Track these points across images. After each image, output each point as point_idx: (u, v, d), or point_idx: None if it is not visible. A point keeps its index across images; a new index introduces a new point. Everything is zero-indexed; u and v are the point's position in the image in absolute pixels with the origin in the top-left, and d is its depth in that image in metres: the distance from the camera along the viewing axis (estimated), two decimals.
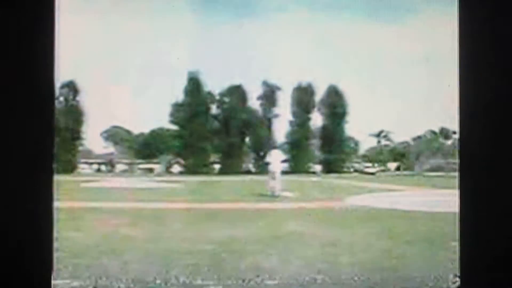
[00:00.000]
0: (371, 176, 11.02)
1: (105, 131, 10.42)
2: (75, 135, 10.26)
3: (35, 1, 2.17)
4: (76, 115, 10.24)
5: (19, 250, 2.10)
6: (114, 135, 10.42)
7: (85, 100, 10.17)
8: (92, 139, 10.34)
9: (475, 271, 2.26)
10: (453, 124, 2.38)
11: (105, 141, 10.41)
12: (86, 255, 6.19)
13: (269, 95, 10.66)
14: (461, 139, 2.30)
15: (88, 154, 10.40)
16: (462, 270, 2.30)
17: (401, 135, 11.44)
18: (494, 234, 2.25)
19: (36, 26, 2.17)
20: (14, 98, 2.10)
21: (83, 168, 10.53)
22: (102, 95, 9.40)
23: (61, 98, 10.26)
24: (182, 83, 10.33)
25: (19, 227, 2.08)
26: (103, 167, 10.57)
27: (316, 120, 11.13)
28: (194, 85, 10.38)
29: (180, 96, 10.37)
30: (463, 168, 2.31)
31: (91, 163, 10.52)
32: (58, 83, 10.19)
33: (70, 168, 10.36)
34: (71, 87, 10.24)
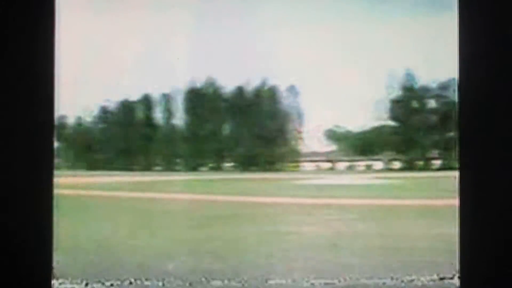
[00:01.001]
0: None
1: (327, 130, 10.33)
2: (298, 135, 10.38)
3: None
4: (297, 116, 10.36)
5: (19, 250, 2.05)
6: (335, 133, 10.27)
7: (306, 101, 10.23)
8: (314, 138, 10.33)
9: (475, 271, 2.17)
10: None
11: (326, 139, 10.32)
12: (321, 250, 6.25)
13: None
14: (461, 139, 2.23)
15: (310, 153, 10.42)
16: (462, 270, 2.22)
17: None
18: (495, 234, 2.17)
19: (36, 24, 2.09)
20: (14, 97, 2.06)
21: (305, 166, 10.61)
22: (320, 95, 9.36)
23: (285, 101, 10.50)
24: (398, 80, 9.85)
25: (18, 227, 2.04)
26: (324, 165, 10.51)
27: None
28: (410, 80, 9.80)
29: (397, 92, 9.87)
30: (463, 167, 2.24)
31: (313, 161, 10.53)
32: (282, 87, 10.50)
33: (293, 166, 10.56)
34: (292, 90, 10.39)
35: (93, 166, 11.13)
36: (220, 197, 10.67)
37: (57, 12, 2.18)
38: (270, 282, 4.86)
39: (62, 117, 10.74)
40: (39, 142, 2.13)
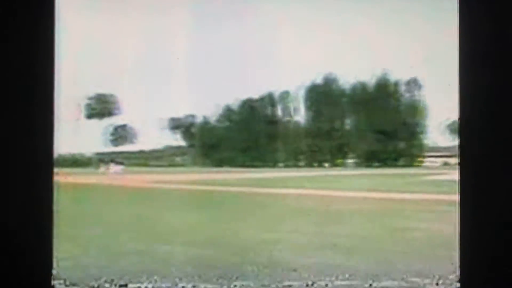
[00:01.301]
0: None
1: (451, 123, 9.60)
2: (421, 129, 9.80)
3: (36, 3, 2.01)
4: (420, 109, 9.79)
5: (19, 250, 1.99)
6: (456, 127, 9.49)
7: (429, 94, 9.63)
8: (437, 132, 9.66)
9: (475, 271, 2.13)
10: None
11: (451, 133, 9.58)
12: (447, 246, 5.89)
13: None
14: (461, 139, 2.21)
15: (435, 147, 9.76)
16: (462, 270, 2.17)
17: None
18: (495, 234, 2.13)
19: (36, 24, 2.02)
20: (14, 97, 2.00)
21: (430, 161, 9.98)
22: (443, 88, 8.73)
23: (407, 94, 9.97)
24: None
25: (18, 227, 1.98)
26: (449, 160, 9.77)
27: None
28: None
29: None
30: (464, 168, 2.19)
31: (438, 156, 9.85)
32: (404, 80, 10.04)
33: (417, 161, 9.99)
34: (415, 83, 9.86)
35: (218, 163, 11.35)
36: (344, 193, 10.38)
37: (57, 12, 2.12)
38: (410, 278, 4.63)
39: (190, 116, 11.11)
40: (39, 142, 2.08)
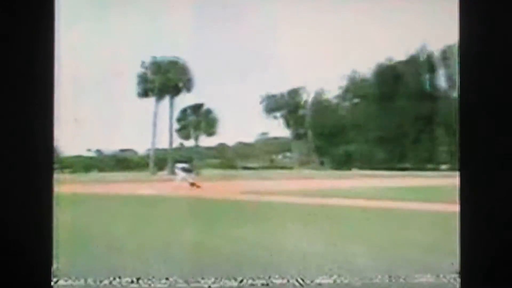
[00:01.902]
0: None
1: None
2: None
3: (36, 4, 3.29)
4: None
5: (19, 250, 3.19)
6: None
7: None
8: None
9: (475, 271, 3.09)
10: None
11: None
12: None
13: None
14: (461, 139, 3.18)
15: None
16: (462, 270, 3.16)
17: None
18: (494, 235, 3.12)
19: (36, 24, 3.28)
20: (14, 97, 3.24)
21: None
22: None
23: None
24: None
25: (18, 227, 3.18)
26: None
27: None
28: None
29: None
30: (464, 168, 3.26)
31: None
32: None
33: None
34: None
35: (343, 163, 11.15)
36: None
37: (57, 12, 3.39)
38: None
39: (297, 91, 10.77)
40: (39, 142, 3.43)
